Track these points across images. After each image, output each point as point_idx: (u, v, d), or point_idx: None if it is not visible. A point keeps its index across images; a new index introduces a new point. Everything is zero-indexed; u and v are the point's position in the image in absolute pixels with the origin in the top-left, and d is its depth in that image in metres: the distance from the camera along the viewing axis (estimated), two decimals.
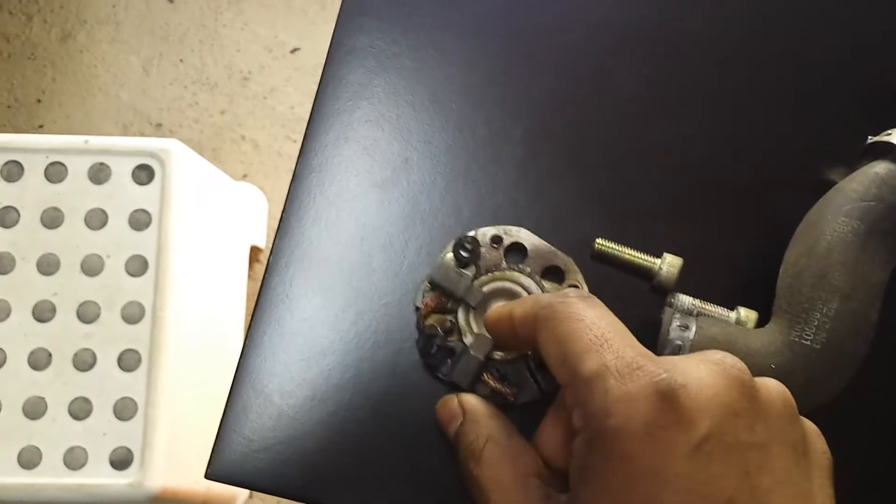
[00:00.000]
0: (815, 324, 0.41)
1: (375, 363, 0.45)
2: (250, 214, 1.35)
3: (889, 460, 0.46)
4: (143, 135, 1.49)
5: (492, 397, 0.43)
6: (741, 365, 0.34)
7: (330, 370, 0.45)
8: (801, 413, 0.35)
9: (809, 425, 0.35)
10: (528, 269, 0.46)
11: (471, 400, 0.42)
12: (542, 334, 0.36)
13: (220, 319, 1.13)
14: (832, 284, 0.41)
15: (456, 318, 0.45)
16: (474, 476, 0.39)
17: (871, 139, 0.45)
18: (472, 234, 0.46)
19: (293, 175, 0.48)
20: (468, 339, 0.44)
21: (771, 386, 0.34)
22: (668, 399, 0.31)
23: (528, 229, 0.46)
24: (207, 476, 0.44)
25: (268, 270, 0.47)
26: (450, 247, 0.46)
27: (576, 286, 0.45)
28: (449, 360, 0.44)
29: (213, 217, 1.12)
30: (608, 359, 0.33)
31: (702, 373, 0.32)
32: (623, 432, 0.31)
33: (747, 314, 0.44)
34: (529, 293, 0.45)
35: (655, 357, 0.33)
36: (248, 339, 0.45)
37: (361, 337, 0.46)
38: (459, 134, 0.49)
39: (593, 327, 0.34)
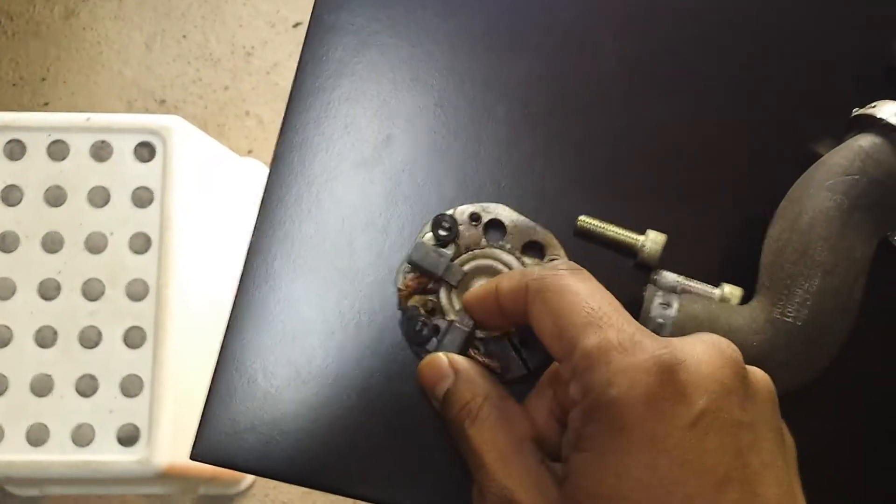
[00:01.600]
0: (797, 300, 0.40)
1: (359, 343, 0.45)
2: (255, 190, 1.34)
3: (874, 439, 0.45)
4: (147, 111, 1.49)
5: None
6: (734, 346, 0.34)
7: (313, 351, 0.45)
8: (786, 390, 0.35)
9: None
10: (509, 246, 0.45)
11: (461, 359, 0.41)
12: (535, 307, 0.36)
13: (225, 296, 1.13)
14: (814, 260, 0.40)
15: (438, 298, 0.45)
16: (469, 436, 0.38)
17: (856, 111, 0.44)
18: (449, 212, 0.46)
19: (273, 154, 0.48)
20: (451, 318, 0.44)
21: (757, 371, 0.35)
22: (669, 372, 0.32)
23: (511, 208, 0.46)
24: (192, 457, 0.44)
25: (249, 250, 0.46)
26: (428, 227, 0.45)
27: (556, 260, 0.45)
28: (434, 339, 0.44)
29: (216, 193, 1.12)
30: (610, 333, 0.33)
31: (698, 350, 0.33)
32: (624, 401, 0.31)
33: (732, 291, 0.44)
34: (511, 270, 0.45)
35: (653, 334, 0.34)
36: (231, 319, 0.45)
37: (345, 317, 0.45)
38: (441, 111, 0.49)
39: (590, 300, 0.35)
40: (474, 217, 0.46)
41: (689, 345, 0.33)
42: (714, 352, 0.33)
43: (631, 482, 0.31)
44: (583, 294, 0.35)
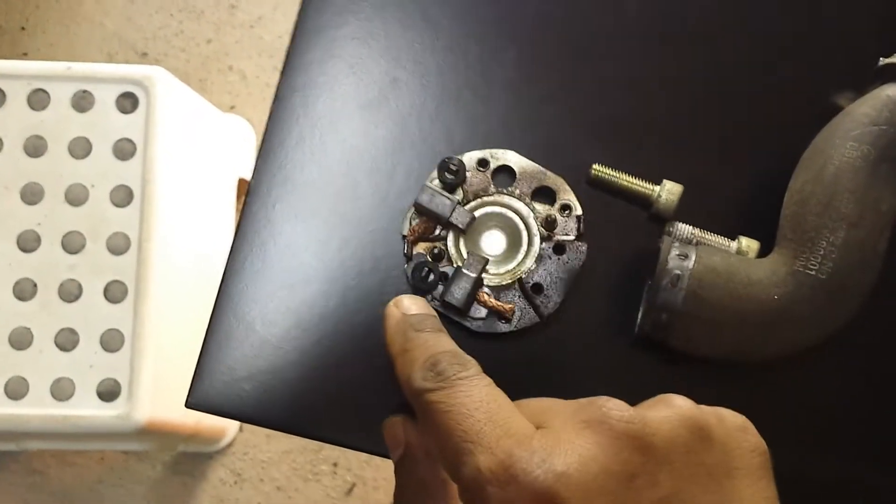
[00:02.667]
0: (821, 253, 0.39)
1: (361, 291, 0.44)
2: (238, 146, 1.32)
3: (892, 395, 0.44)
4: (128, 63, 1.45)
5: (488, 319, 0.42)
6: (628, 413, 0.31)
7: (314, 298, 0.43)
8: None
9: (732, 423, 0.32)
10: (518, 192, 0.44)
11: (414, 433, 0.39)
12: (421, 423, 0.34)
13: (208, 252, 1.12)
14: (839, 212, 0.39)
15: (445, 244, 0.43)
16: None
17: (882, 61, 0.43)
18: (457, 157, 0.44)
19: (275, 95, 0.46)
20: (458, 265, 0.43)
21: (663, 419, 0.31)
22: (549, 499, 0.29)
23: (521, 154, 0.44)
24: (188, 405, 0.43)
25: (249, 194, 0.45)
26: (435, 172, 0.44)
27: (568, 206, 0.44)
28: (441, 286, 0.42)
29: (199, 148, 1.10)
30: (481, 460, 0.30)
31: (584, 446, 0.30)
32: None
33: (749, 244, 0.43)
34: (521, 216, 0.43)
35: (530, 436, 0.31)
36: (229, 265, 0.44)
37: (347, 264, 0.44)
38: (450, 54, 0.47)
39: (464, 420, 0.32)
40: (482, 163, 0.44)
41: (570, 438, 0.30)
42: (603, 439, 0.30)
43: None
44: (457, 412, 0.32)
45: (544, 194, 0.44)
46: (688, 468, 0.30)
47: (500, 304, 0.42)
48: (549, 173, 0.44)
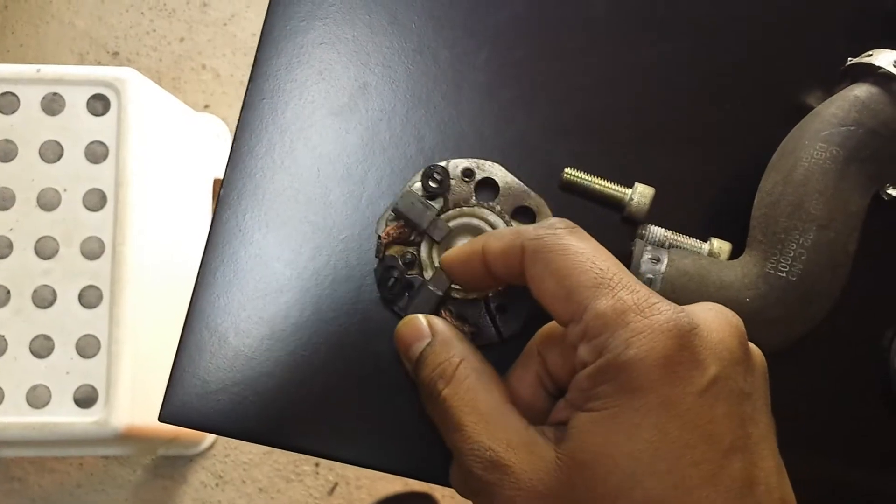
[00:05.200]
0: (791, 255, 0.39)
1: (335, 300, 0.43)
2: (213, 146, 1.31)
3: (866, 395, 0.44)
4: (99, 64, 1.44)
5: None
6: (738, 317, 0.34)
7: (287, 308, 0.43)
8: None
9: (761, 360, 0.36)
10: (499, 208, 0.43)
11: (440, 322, 0.39)
12: (535, 269, 0.35)
13: (184, 254, 1.11)
14: (809, 214, 0.39)
15: (418, 251, 0.43)
16: (443, 398, 0.36)
17: (850, 60, 0.43)
18: (442, 164, 0.44)
19: (243, 102, 0.45)
20: (428, 274, 0.42)
21: (753, 345, 0.35)
22: (685, 336, 0.31)
23: (494, 160, 0.44)
24: (161, 419, 0.42)
25: (219, 204, 0.44)
26: (418, 175, 0.43)
27: None
28: (407, 294, 0.42)
29: (173, 149, 1.09)
30: (623, 294, 0.32)
31: (709, 317, 0.33)
32: (642, 363, 0.31)
33: (720, 245, 0.43)
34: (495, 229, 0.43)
35: (662, 297, 0.33)
36: (200, 276, 0.43)
37: (320, 273, 0.44)
38: (420, 57, 0.46)
39: (597, 261, 0.34)
40: (467, 173, 0.44)
41: (699, 311, 0.33)
42: (723, 320, 0.33)
43: (641, 443, 0.31)
44: (587, 254, 0.34)
45: (524, 214, 0.44)
46: (762, 386, 0.34)
47: (459, 324, 0.41)
48: (532, 194, 0.44)
